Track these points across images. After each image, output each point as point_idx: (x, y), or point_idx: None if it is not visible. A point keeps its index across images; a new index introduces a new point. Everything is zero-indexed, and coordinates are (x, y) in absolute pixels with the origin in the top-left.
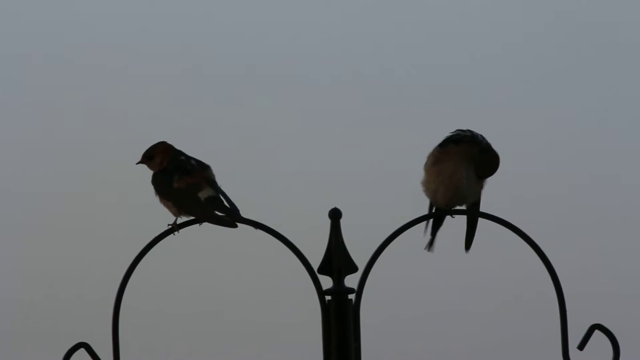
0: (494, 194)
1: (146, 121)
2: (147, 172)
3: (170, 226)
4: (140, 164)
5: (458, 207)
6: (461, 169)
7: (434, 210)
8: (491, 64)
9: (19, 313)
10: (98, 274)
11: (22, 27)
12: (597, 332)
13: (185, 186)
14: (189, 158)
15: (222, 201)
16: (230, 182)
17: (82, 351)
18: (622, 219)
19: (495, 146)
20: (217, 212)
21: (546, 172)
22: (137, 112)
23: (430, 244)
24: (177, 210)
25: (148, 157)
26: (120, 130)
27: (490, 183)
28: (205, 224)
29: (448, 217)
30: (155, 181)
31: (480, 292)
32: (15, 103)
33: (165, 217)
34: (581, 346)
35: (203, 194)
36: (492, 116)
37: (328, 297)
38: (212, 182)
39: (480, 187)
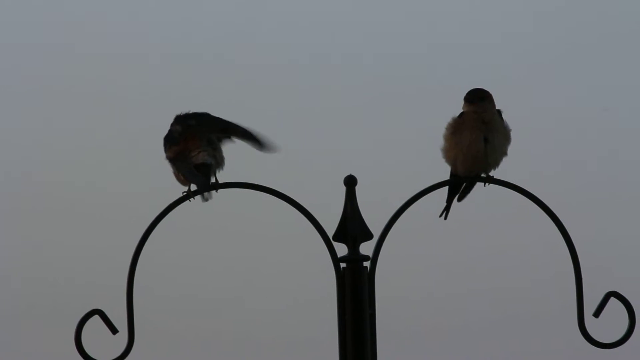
0: (511, 166)
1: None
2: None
3: (184, 193)
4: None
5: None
6: (479, 138)
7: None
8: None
9: (39, 291)
10: (114, 250)
11: None
12: (612, 300)
13: (174, 156)
14: (177, 122)
15: (210, 167)
16: (247, 150)
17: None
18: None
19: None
20: (211, 181)
21: (563, 144)
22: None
23: (446, 211)
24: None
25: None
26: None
27: (510, 155)
28: (221, 191)
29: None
30: (163, 149)
31: (495, 260)
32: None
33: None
34: (597, 313)
35: (194, 160)
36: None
37: (343, 265)
38: (201, 141)
39: (503, 153)
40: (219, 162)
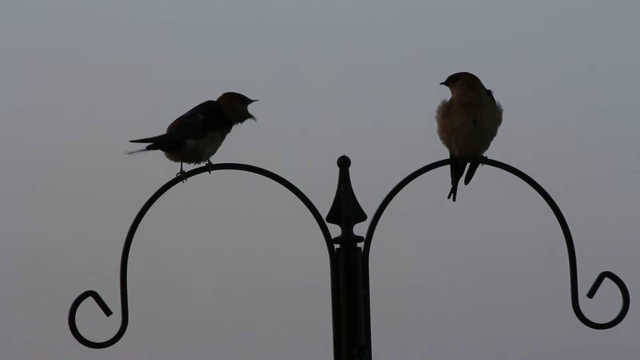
0: (507, 147)
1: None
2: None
3: (178, 174)
4: None
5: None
6: (469, 121)
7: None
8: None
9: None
10: (107, 232)
11: None
12: (606, 280)
13: (169, 132)
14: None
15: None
16: (243, 131)
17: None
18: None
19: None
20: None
21: (559, 127)
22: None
23: (453, 192)
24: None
25: None
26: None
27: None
28: (215, 172)
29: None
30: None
31: (489, 241)
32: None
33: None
34: (591, 294)
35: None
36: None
37: (337, 246)
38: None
39: (492, 134)
40: (201, 150)
